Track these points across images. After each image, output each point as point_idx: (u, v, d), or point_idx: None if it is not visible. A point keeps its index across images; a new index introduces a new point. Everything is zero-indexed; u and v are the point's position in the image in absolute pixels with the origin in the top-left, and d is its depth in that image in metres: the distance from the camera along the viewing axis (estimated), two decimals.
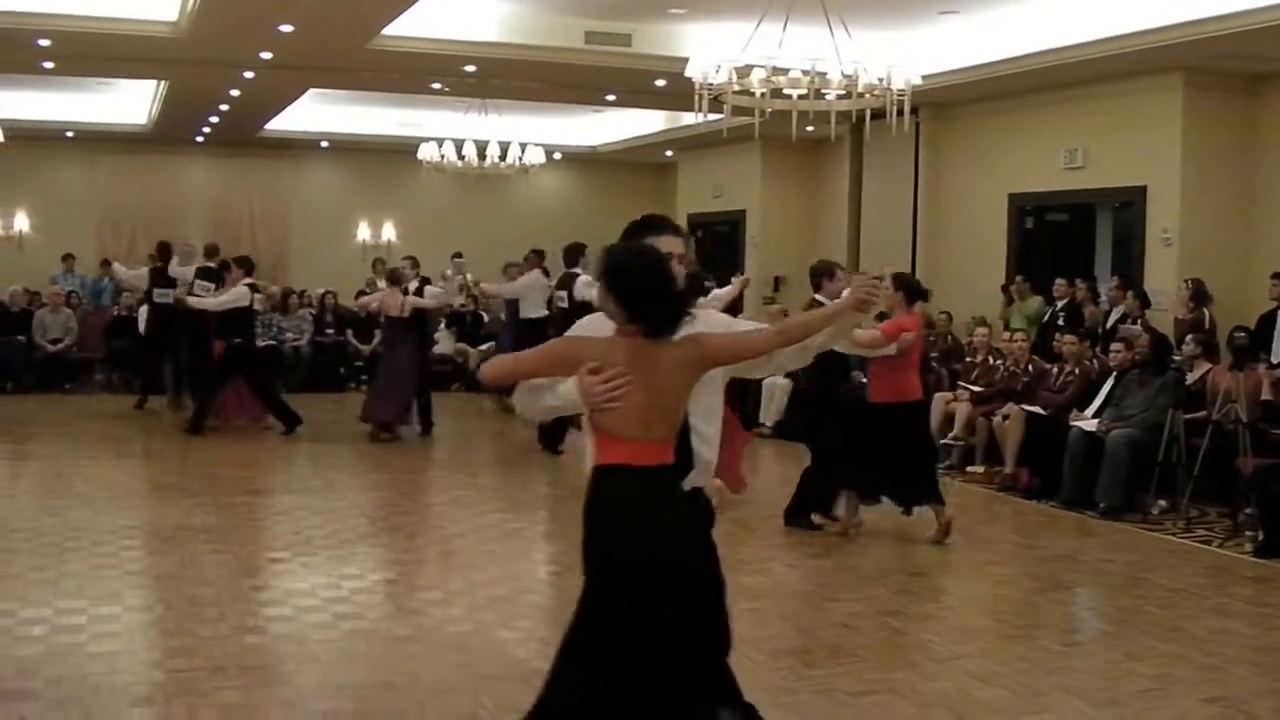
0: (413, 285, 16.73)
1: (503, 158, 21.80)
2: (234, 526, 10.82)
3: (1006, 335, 15.24)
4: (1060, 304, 16.21)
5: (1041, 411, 13.39)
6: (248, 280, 16.30)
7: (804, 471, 11.27)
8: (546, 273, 17.85)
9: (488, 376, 4.73)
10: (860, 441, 10.73)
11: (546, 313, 17.57)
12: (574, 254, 16.39)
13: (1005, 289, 17.51)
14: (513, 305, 18.33)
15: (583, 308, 17.35)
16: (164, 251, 18.31)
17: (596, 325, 4.72)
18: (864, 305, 4.92)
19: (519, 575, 9.60)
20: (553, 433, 14.44)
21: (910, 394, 10.84)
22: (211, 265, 16.48)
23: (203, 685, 6.60)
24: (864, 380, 11.57)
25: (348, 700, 6.46)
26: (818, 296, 10.57)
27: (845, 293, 5.00)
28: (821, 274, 10.87)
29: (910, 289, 11.00)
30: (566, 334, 4.77)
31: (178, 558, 9.50)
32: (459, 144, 21.53)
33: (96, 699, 6.41)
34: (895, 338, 10.33)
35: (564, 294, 16.02)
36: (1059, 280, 16.43)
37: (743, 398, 13.81)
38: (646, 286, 4.52)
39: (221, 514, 11.30)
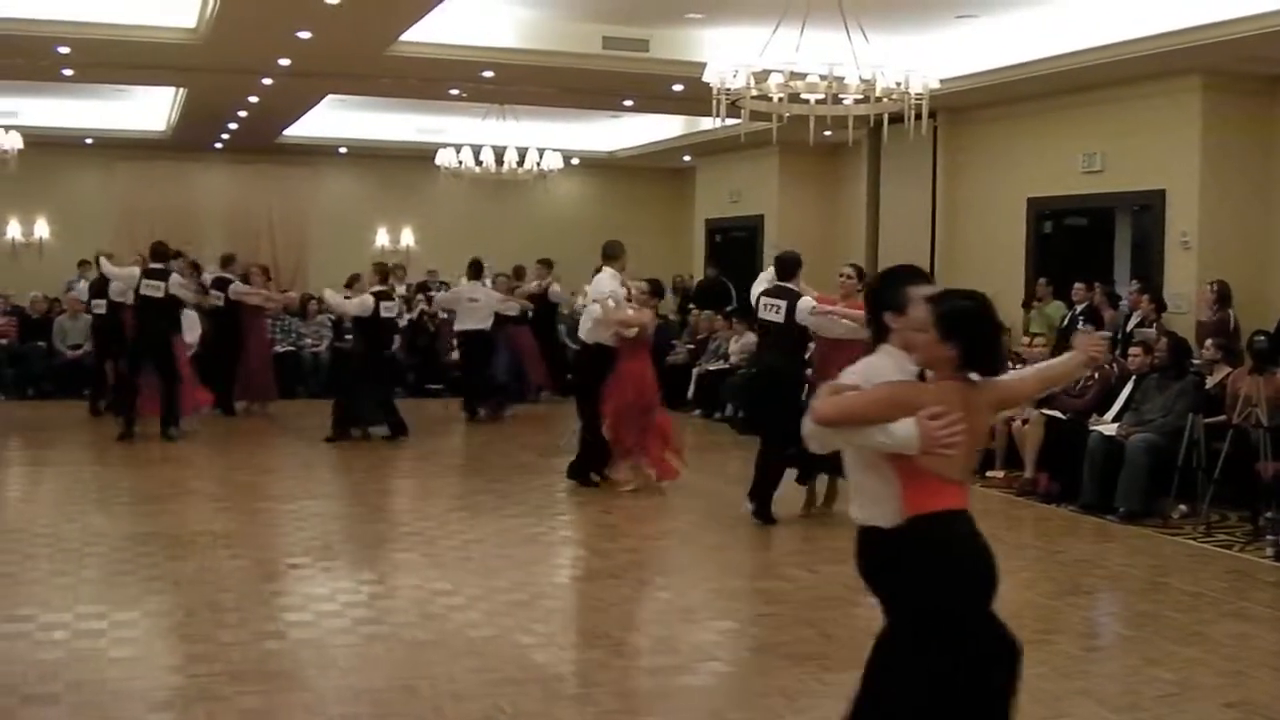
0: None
1: (521, 163, 21.81)
2: (253, 532, 10.85)
3: (1026, 340, 15.20)
4: (1079, 308, 16.18)
5: (1061, 416, 13.35)
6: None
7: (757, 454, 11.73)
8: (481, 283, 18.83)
9: (830, 417, 4.67)
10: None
11: (486, 327, 18.33)
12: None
13: (1029, 293, 17.49)
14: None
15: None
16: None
17: (883, 368, 4.89)
18: (1093, 362, 5.58)
19: (538, 580, 9.59)
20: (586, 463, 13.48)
21: None
22: (160, 266, 16.27)
23: (223, 690, 6.61)
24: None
25: (366, 705, 6.46)
26: (790, 285, 11.58)
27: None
28: (795, 266, 11.74)
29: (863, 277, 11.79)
30: (891, 380, 4.79)
31: (197, 563, 9.52)
32: (477, 150, 21.55)
33: (117, 704, 6.43)
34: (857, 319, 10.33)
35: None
36: (1078, 284, 16.41)
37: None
38: (987, 332, 4.71)
39: (241, 519, 11.35)
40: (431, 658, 7.28)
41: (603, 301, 12.95)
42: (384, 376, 16.98)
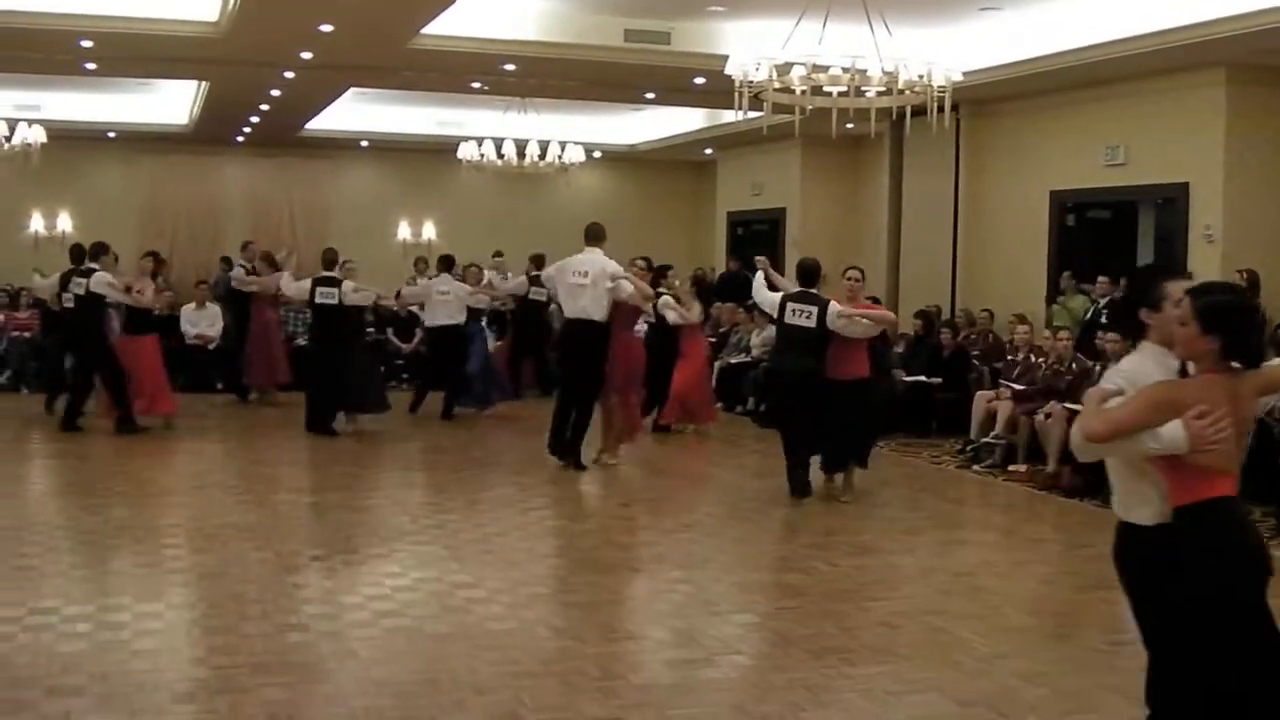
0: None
1: (542, 156, 21.81)
2: (276, 524, 10.86)
3: (1049, 333, 15.16)
4: (1102, 302, 16.13)
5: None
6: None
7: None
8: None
9: (1101, 434, 4.71)
10: (821, 414, 12.06)
11: (459, 321, 18.07)
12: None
13: (1052, 287, 17.45)
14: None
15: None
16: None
17: (1146, 369, 4.91)
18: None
19: (559, 573, 9.60)
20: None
21: (860, 371, 12.25)
22: (91, 266, 16.20)
23: (246, 682, 6.62)
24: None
25: (388, 697, 6.46)
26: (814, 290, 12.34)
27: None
28: (818, 271, 12.58)
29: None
30: (1155, 381, 4.81)
31: (220, 556, 9.54)
32: (499, 143, 21.58)
33: (140, 695, 6.44)
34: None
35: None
36: (1101, 278, 16.35)
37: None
38: (1248, 323, 4.78)
39: (263, 512, 11.37)
40: (453, 650, 7.28)
41: (616, 281, 13.54)
42: (339, 364, 16.29)
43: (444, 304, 18.04)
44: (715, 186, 26.67)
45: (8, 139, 20.01)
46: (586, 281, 13.59)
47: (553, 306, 18.69)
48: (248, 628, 7.63)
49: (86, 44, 15.92)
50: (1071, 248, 17.86)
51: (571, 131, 22.74)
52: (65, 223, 25.37)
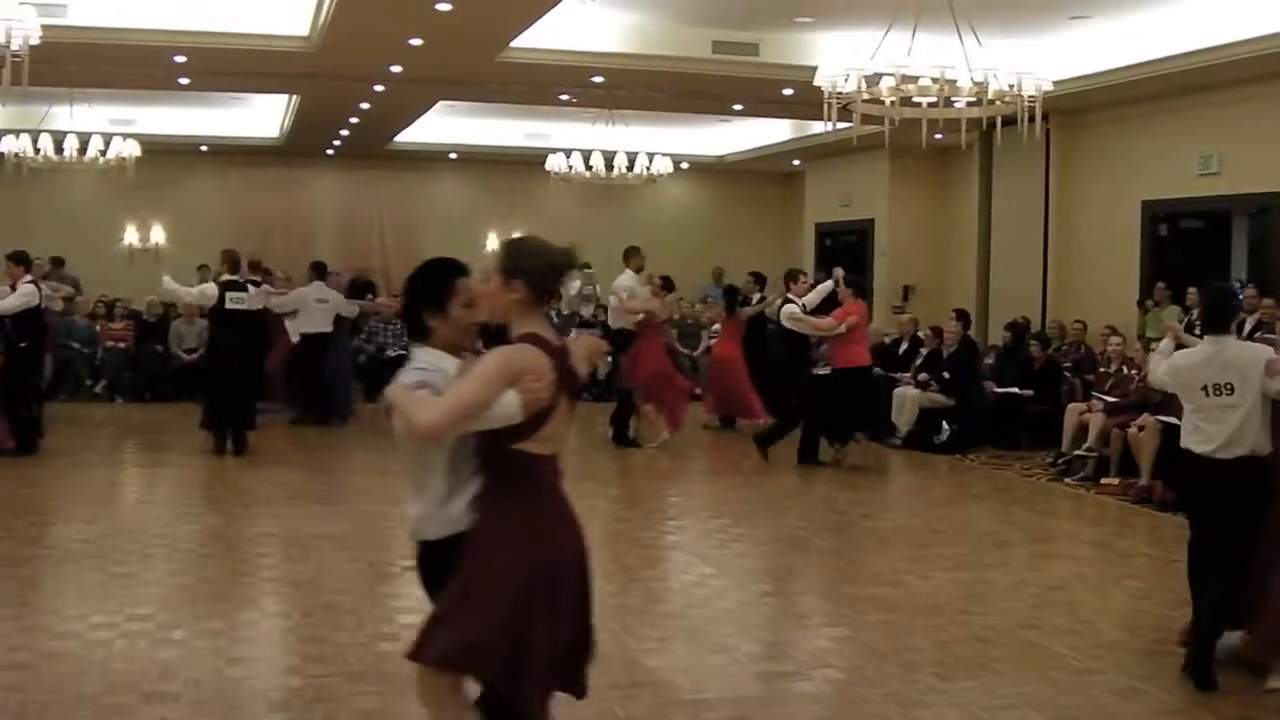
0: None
1: (630, 168, 21.87)
2: (368, 534, 10.92)
3: (1140, 344, 15.00)
4: (1195, 313, 15.92)
5: (1177, 422, 13.10)
6: (30, 279, 15.09)
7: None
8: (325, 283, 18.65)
9: None
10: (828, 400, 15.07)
11: (328, 329, 18.15)
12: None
13: (1141, 301, 17.28)
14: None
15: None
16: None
17: None
18: None
19: (648, 585, 9.60)
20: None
21: (859, 360, 15.03)
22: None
23: (339, 691, 6.69)
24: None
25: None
26: (789, 295, 15.81)
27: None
28: (789, 278, 16.12)
29: (855, 286, 15.60)
30: None
31: (313, 565, 9.63)
32: (587, 154, 21.63)
33: (235, 703, 6.53)
34: (843, 321, 14.85)
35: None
36: (1193, 288, 16.14)
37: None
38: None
39: (355, 522, 11.45)
40: None
41: (616, 295, 16.73)
42: (232, 378, 15.46)
43: (320, 311, 18.13)
44: (803, 197, 26.57)
45: (103, 153, 20.27)
46: (613, 300, 16.95)
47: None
48: (341, 637, 7.70)
49: (180, 59, 16.11)
50: (1163, 258, 17.67)
51: (659, 143, 22.78)
52: (159, 235, 25.71)
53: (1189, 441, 7.55)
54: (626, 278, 16.73)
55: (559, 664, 4.89)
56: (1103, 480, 13.85)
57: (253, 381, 16.15)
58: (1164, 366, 7.94)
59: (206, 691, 6.66)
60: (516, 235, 5.37)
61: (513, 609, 4.69)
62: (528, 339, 4.71)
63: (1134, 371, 14.51)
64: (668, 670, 7.23)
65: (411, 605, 8.48)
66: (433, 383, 4.72)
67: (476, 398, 4.52)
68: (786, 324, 15.56)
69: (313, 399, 18.31)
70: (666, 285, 17.70)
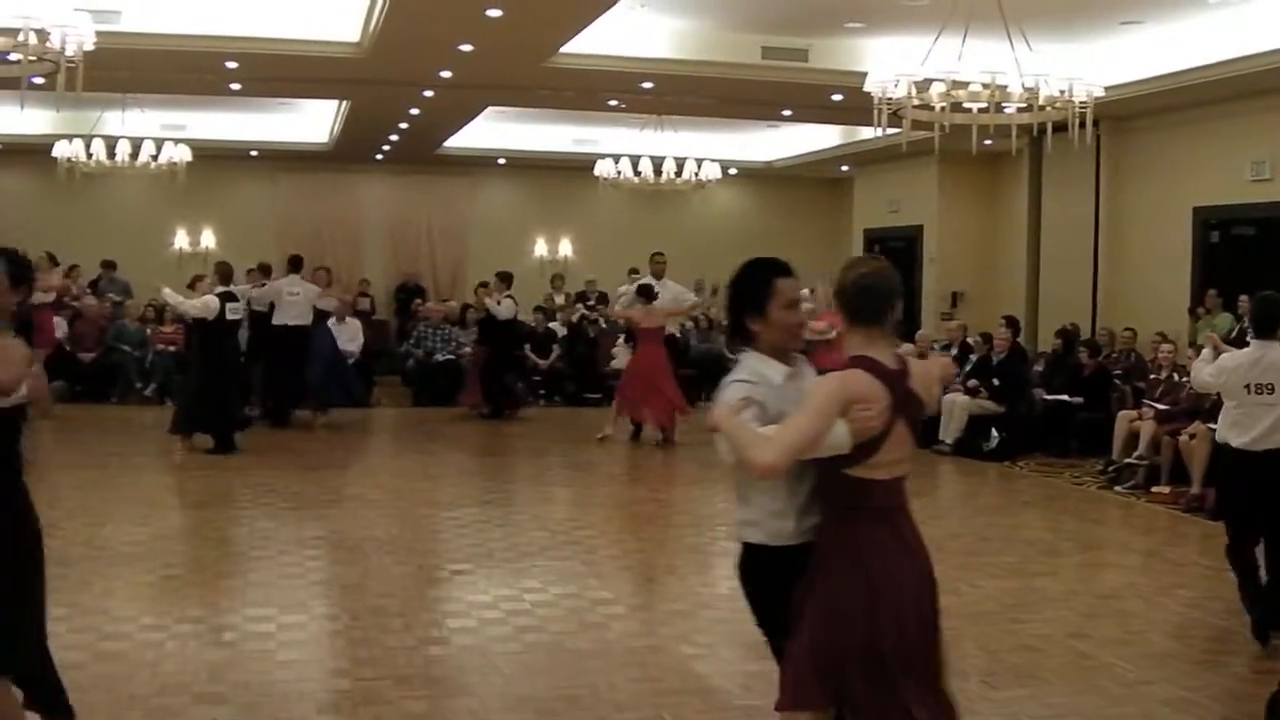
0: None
1: (678, 174, 21.87)
2: (416, 538, 10.98)
3: (1191, 352, 14.88)
4: (1248, 320, 15.79)
5: None
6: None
7: None
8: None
9: None
10: None
11: (306, 323, 17.87)
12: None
13: (1192, 308, 17.15)
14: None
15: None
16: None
17: None
18: None
19: (699, 590, 9.56)
20: None
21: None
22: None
23: (388, 694, 6.71)
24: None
25: (530, 713, 6.50)
26: None
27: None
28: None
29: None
30: None
31: (362, 568, 9.67)
32: (635, 160, 21.66)
33: (285, 705, 6.55)
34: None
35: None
36: (1244, 296, 16.03)
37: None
38: None
39: (404, 525, 11.50)
40: (593, 666, 7.31)
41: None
42: (224, 383, 15.94)
43: (292, 305, 17.97)
44: (851, 203, 26.52)
45: (154, 158, 20.43)
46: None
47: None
48: (389, 640, 7.72)
49: (232, 65, 16.22)
50: (1215, 265, 17.53)
51: (707, 149, 22.76)
52: (209, 239, 25.89)
53: (1226, 435, 8.28)
54: (629, 284, 18.30)
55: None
56: (1153, 488, 13.76)
57: (238, 383, 16.60)
58: (1210, 368, 8.59)
59: (256, 694, 6.69)
60: (856, 257, 5.22)
61: (853, 638, 4.53)
62: (860, 363, 4.57)
63: (1185, 379, 14.40)
64: (717, 676, 7.22)
65: (460, 609, 8.56)
66: (759, 399, 4.56)
67: (811, 433, 4.37)
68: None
69: (287, 393, 18.18)
70: (640, 293, 17.53)
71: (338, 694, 6.75)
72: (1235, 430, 8.19)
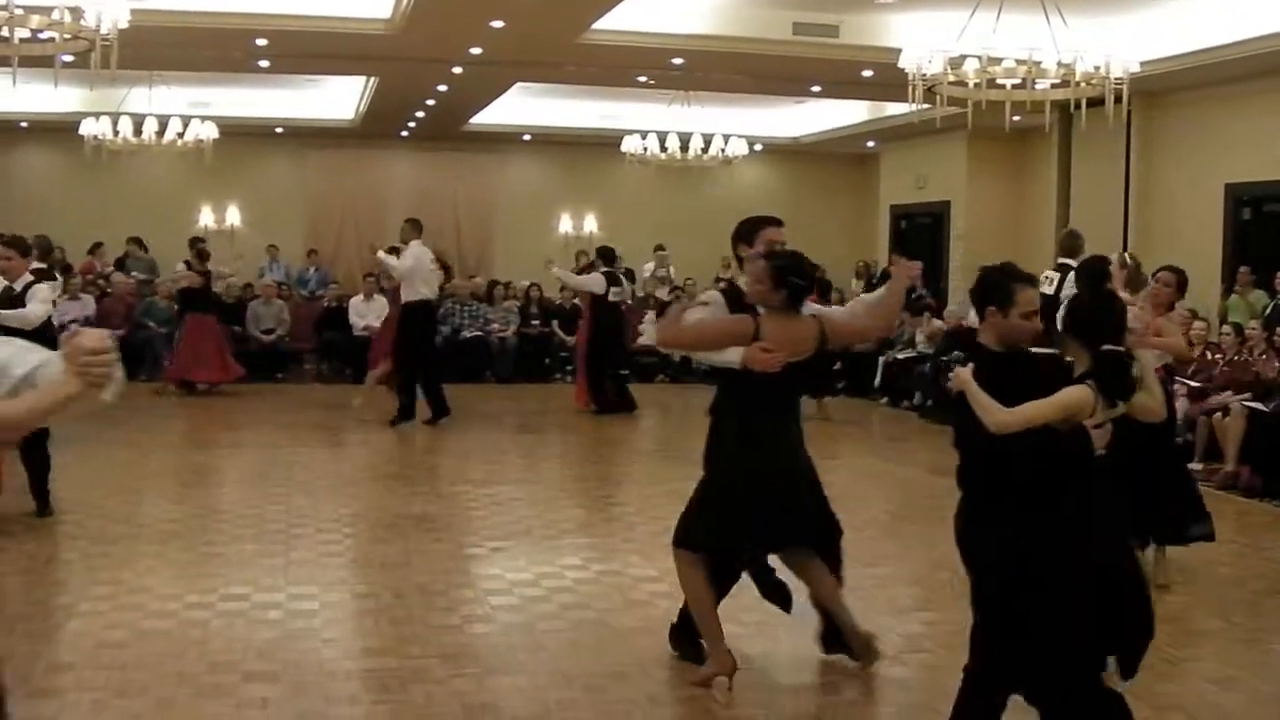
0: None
1: (705, 150, 21.82)
2: (453, 515, 10.99)
3: (1228, 329, 14.83)
4: None
5: (1264, 408, 13.02)
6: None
7: None
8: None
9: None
10: None
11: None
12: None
13: (1228, 282, 17.08)
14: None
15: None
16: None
17: None
18: None
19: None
20: None
21: None
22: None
23: (436, 672, 6.72)
24: None
25: (580, 690, 6.51)
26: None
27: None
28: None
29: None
30: None
31: (401, 546, 9.68)
32: (662, 136, 21.63)
33: (333, 683, 6.56)
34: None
35: None
36: (1279, 274, 15.99)
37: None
38: None
39: (440, 503, 11.52)
40: (640, 644, 7.32)
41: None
42: None
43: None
44: (878, 179, 26.48)
45: (181, 135, 20.44)
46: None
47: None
48: (433, 618, 7.75)
49: (261, 42, 16.22)
50: (1247, 242, 17.45)
51: (734, 124, 22.71)
52: (234, 216, 25.89)
53: None
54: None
55: None
56: (1188, 466, 13.70)
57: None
58: None
59: (304, 672, 6.71)
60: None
61: None
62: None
63: (1218, 356, 14.37)
64: (766, 654, 7.23)
65: (502, 587, 8.57)
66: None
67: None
68: None
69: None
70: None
71: (385, 672, 6.75)
72: None
